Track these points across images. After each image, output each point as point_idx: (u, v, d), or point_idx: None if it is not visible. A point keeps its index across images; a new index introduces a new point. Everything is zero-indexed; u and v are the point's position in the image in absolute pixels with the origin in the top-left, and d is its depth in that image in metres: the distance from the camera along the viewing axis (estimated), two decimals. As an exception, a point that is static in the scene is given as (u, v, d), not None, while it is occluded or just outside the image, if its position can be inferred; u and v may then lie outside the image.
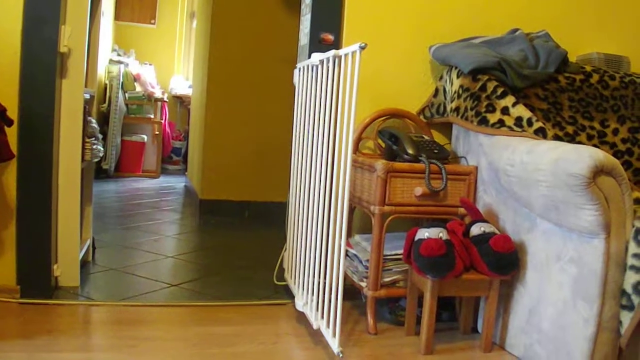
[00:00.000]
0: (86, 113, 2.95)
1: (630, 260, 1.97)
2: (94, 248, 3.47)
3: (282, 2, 5.15)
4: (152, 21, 8.40)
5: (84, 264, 3.15)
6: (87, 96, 3.04)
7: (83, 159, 2.88)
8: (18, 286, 2.65)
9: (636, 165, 2.86)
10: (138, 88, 7.47)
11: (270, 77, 5.05)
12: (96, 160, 3.28)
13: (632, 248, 1.98)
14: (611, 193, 2.00)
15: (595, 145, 2.78)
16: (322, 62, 2.37)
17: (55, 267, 2.75)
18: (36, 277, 2.68)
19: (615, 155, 2.80)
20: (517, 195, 2.33)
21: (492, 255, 2.30)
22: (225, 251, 4.01)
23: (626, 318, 1.97)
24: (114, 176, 7.15)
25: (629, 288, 1.97)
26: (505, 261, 2.31)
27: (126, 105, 7.31)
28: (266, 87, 5.18)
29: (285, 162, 2.94)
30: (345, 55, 2.17)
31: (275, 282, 3.07)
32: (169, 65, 8.59)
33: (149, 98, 7.52)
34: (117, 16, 8.01)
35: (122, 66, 7.31)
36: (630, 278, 1.96)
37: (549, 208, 2.14)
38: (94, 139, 3.17)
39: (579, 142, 2.75)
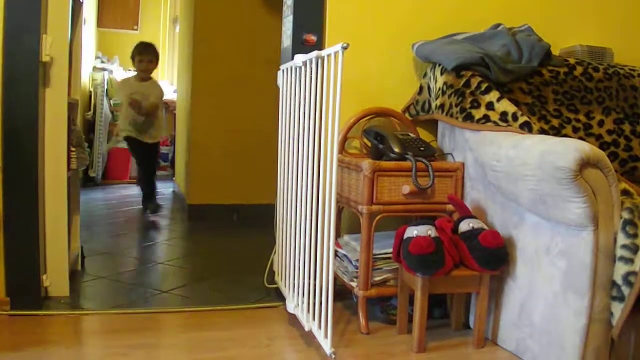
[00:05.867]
0: (71, 121, 2.93)
1: (619, 252, 1.98)
2: (82, 257, 3.45)
3: (264, 4, 5.15)
4: (135, 27, 8.38)
5: (73, 273, 3.13)
6: (71, 104, 3.02)
7: (69, 168, 2.86)
8: (7, 298, 2.63)
9: (622, 156, 2.87)
10: (123, 94, 7.44)
11: (255, 79, 5.04)
12: (82, 168, 3.27)
13: (621, 239, 1.98)
14: (598, 185, 2.01)
15: (581, 138, 2.79)
16: (305, 63, 2.37)
17: (44, 277, 2.73)
18: (25, 288, 2.66)
19: (601, 146, 2.81)
20: (505, 190, 2.34)
21: (481, 250, 2.31)
22: (214, 255, 4.01)
23: (617, 309, 1.98)
24: (101, 184, 7.12)
25: (619, 279, 1.97)
26: (494, 256, 2.31)
27: (111, 112, 7.28)
28: (251, 90, 5.17)
29: (272, 163, 2.93)
30: (328, 55, 2.17)
31: (266, 284, 3.07)
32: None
33: (134, 104, 7.49)
34: (100, 23, 7.98)
35: (106, 73, 7.28)
36: (620, 269, 1.97)
37: (537, 202, 2.14)
38: (79, 147, 3.16)
39: (565, 135, 2.76)
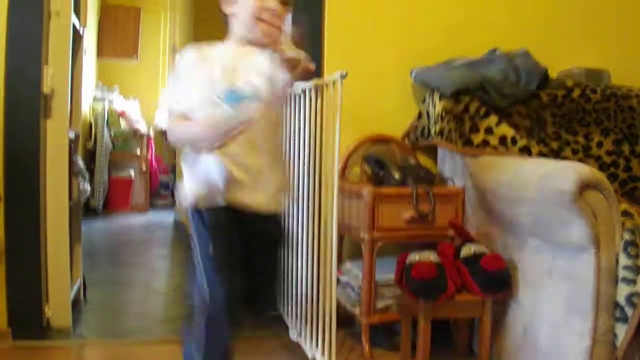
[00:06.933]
0: (72, 152, 2.94)
1: (622, 273, 1.98)
2: (84, 286, 3.45)
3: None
4: (135, 56, 8.40)
5: (75, 303, 3.12)
6: (72, 135, 3.03)
7: (70, 198, 2.87)
8: (9, 328, 2.63)
9: (622, 176, 2.88)
10: (123, 124, 7.45)
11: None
12: (84, 198, 3.27)
13: (623, 260, 1.98)
14: (598, 207, 2.01)
15: (580, 159, 2.80)
16: (304, 91, 2.38)
17: (46, 307, 2.73)
18: (27, 319, 2.66)
19: (600, 168, 2.81)
20: (505, 214, 2.34)
21: (483, 275, 2.31)
22: (217, 284, 3.98)
23: (621, 330, 1.97)
24: (102, 213, 7.10)
25: (622, 300, 1.97)
26: (496, 280, 2.31)
27: (112, 141, 7.29)
28: (251, 118, 5.18)
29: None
30: (327, 84, 2.18)
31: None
32: (154, 99, 8.58)
33: (135, 133, 7.51)
34: (100, 52, 8.00)
35: (106, 103, 7.29)
36: (623, 290, 1.97)
37: (538, 225, 2.15)
38: (80, 177, 3.17)
39: (564, 158, 2.76)
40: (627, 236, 2.00)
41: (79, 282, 3.29)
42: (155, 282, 4.03)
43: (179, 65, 1.92)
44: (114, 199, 7.33)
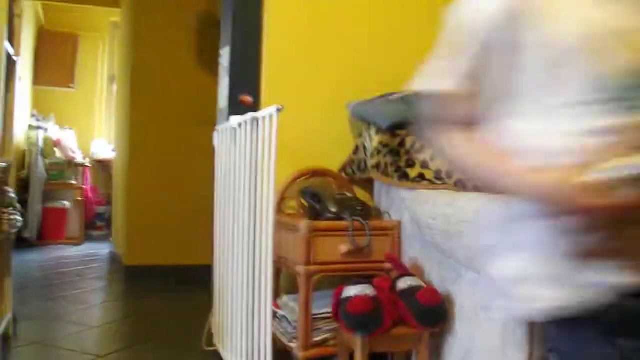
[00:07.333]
0: (2, 183, 2.87)
1: (556, 304, 2.00)
2: (15, 322, 3.35)
3: (202, 65, 5.17)
4: (71, 85, 8.30)
5: (5, 339, 3.03)
6: (4, 165, 2.96)
7: (0, 230, 2.79)
8: None
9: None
10: (58, 153, 7.34)
11: (193, 139, 5.00)
12: (15, 230, 3.19)
13: (555, 292, 2.00)
14: (531, 241, 2.03)
15: (514, 194, 2.84)
16: (240, 124, 2.38)
17: (-28, 345, 2.64)
18: (-48, 358, 2.57)
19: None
20: (441, 248, 2.36)
21: (419, 308, 2.31)
22: (153, 318, 3.93)
23: (554, 362, 1.98)
24: (36, 245, 6.95)
25: (554, 332, 1.99)
26: (433, 313, 2.32)
27: (46, 171, 7.16)
28: (190, 149, 5.14)
29: (211, 224, 2.92)
30: (263, 117, 2.18)
31: (204, 347, 3.01)
32: (90, 129, 8.48)
33: (70, 163, 7.40)
34: (36, 80, 7.87)
35: (41, 132, 7.18)
36: (556, 322, 1.99)
37: (473, 258, 2.16)
38: (11, 208, 3.09)
39: (499, 191, 2.80)
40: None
41: (8, 317, 3.19)
42: (90, 316, 3.94)
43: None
44: (49, 230, 7.19)
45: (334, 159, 3.04)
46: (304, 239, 2.49)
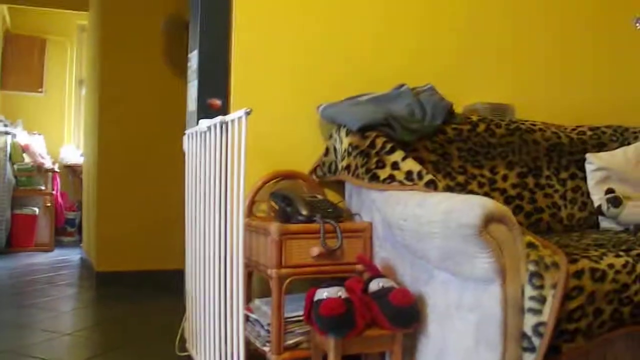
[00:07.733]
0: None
1: (528, 303, 2.01)
2: (-17, 331, 3.32)
3: (171, 68, 5.14)
4: (40, 89, 8.22)
5: (-28, 349, 3.00)
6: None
7: (-34, 240, 2.76)
8: None
9: (527, 209, 2.95)
10: (27, 159, 7.27)
11: (163, 143, 5.00)
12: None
13: (528, 291, 2.02)
14: (503, 240, 2.04)
15: (486, 193, 2.86)
16: (209, 128, 2.36)
17: (-61, 356, 2.60)
18: None
19: (506, 200, 2.88)
20: (413, 248, 2.36)
21: (392, 309, 2.31)
22: (124, 324, 3.90)
23: (528, 361, 1.99)
24: (5, 252, 6.88)
25: (528, 330, 2.00)
26: (405, 314, 2.32)
27: (15, 177, 7.08)
28: (159, 154, 5.12)
29: (182, 228, 2.90)
30: (232, 121, 2.17)
31: (177, 353, 2.99)
32: (59, 134, 8.41)
33: (39, 169, 7.33)
34: (3, 85, 7.79)
35: (9, 137, 7.10)
36: (529, 320, 2.00)
37: (444, 259, 2.17)
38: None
39: (470, 191, 2.81)
40: (531, 268, 2.04)
41: (-24, 326, 3.16)
42: (61, 323, 3.89)
43: None
44: (18, 237, 7.12)
45: (304, 161, 3.04)
46: (275, 242, 2.48)
